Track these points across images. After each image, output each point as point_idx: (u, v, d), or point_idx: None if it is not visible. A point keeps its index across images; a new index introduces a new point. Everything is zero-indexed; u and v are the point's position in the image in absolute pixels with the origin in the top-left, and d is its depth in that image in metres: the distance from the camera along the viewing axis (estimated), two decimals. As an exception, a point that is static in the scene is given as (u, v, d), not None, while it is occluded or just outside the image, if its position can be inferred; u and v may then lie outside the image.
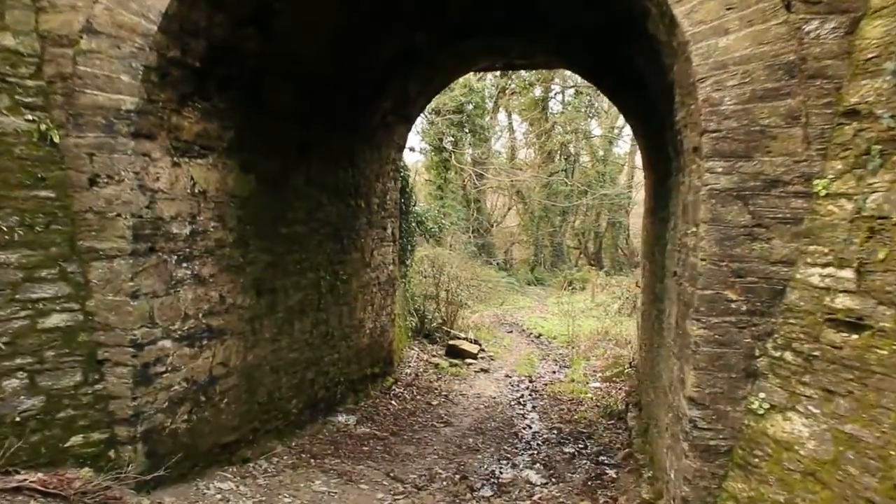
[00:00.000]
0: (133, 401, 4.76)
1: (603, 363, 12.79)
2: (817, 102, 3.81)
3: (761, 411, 3.81)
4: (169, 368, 5.14)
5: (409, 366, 11.20)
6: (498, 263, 29.99)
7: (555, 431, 8.40)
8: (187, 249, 5.31)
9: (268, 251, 6.57)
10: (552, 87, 35.79)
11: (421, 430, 8.14)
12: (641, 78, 6.62)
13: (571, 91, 36.33)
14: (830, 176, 3.71)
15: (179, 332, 5.25)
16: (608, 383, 11.13)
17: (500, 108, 33.03)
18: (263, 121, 6.39)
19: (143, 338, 4.82)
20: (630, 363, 10.77)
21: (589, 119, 37.03)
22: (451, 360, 11.96)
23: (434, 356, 12.13)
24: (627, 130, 38.48)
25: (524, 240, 35.62)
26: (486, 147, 30.36)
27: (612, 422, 8.65)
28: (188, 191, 5.31)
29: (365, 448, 7.24)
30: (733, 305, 3.94)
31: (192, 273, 5.37)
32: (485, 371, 11.71)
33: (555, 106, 36.61)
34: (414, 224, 13.35)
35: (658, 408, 5.95)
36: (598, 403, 9.57)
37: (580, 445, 7.82)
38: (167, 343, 5.11)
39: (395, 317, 10.51)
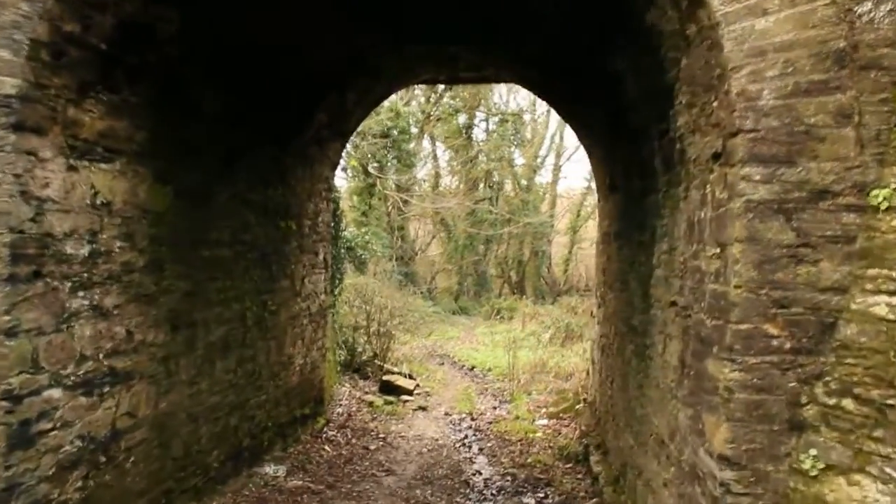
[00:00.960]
0: (6, 470, 3.67)
1: (546, 398, 12.09)
2: (872, 98, 3.18)
3: (814, 472, 3.09)
4: (58, 425, 4.06)
5: (341, 404, 10.18)
6: (423, 293, 29.14)
7: (508, 478, 7.57)
8: (85, 274, 4.27)
9: (186, 278, 5.55)
10: (477, 113, 35.63)
11: (361, 481, 7.16)
12: (613, 85, 5.99)
13: (496, 119, 36.34)
14: (893, 185, 3.08)
15: (73, 378, 4.19)
16: (556, 420, 10.40)
17: (425, 135, 32.41)
18: (184, 123, 5.42)
19: (21, 387, 3.75)
20: (583, 399, 10.08)
21: (513, 147, 37.03)
22: (386, 396, 11.00)
23: (367, 393, 11.15)
24: (550, 160, 38.84)
25: (448, 268, 34.97)
26: (411, 174, 29.63)
27: (571, 466, 7.89)
28: (88, 202, 4.29)
29: (298, 506, 6.25)
30: (775, 342, 3.23)
31: (90, 304, 4.32)
32: (423, 409, 10.79)
33: (479, 134, 36.44)
34: (343, 250, 12.41)
35: (644, 458, 5.21)
36: (551, 444, 8.81)
37: (540, 495, 7.01)
38: (56, 392, 4.04)
39: (326, 351, 9.52)
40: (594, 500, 6.61)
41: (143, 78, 4.72)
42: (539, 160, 38.19)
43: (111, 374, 4.54)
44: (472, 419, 10.48)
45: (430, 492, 6.98)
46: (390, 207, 29.23)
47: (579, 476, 7.55)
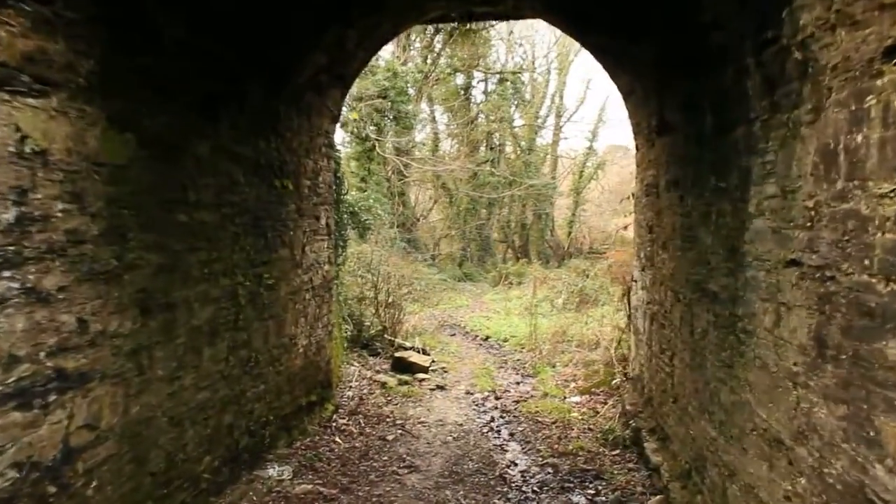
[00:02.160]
0: None
1: (573, 371, 11.08)
2: None
3: None
4: (-18, 451, 3.01)
5: (351, 387, 9.15)
6: (426, 260, 28.05)
7: (549, 470, 6.56)
8: (11, 247, 3.17)
9: (159, 249, 4.45)
10: (475, 74, 34.29)
11: (380, 482, 6.14)
12: (676, 5, 4.87)
13: (495, 79, 34.98)
14: None
15: (1, 388, 3.12)
16: (589, 396, 9.40)
17: (423, 97, 31.07)
18: (144, 54, 4.27)
19: (-84, 409, 2.68)
20: (621, 373, 9.04)
21: (514, 107, 35.78)
22: (400, 375, 9.97)
23: (379, 372, 10.13)
24: (550, 121, 37.48)
25: (451, 234, 33.88)
26: (410, 136, 28.37)
27: (619, 453, 6.88)
28: (11, 149, 3.17)
29: (309, 519, 5.23)
30: None
31: (22, 286, 3.23)
32: (441, 388, 9.76)
33: (478, 96, 35.19)
34: (346, 216, 11.29)
35: (739, 456, 4.16)
36: (590, 426, 7.80)
37: (590, 491, 6.01)
38: (-25, 409, 2.97)
39: (332, 327, 8.45)
40: (658, 497, 5.59)
41: (84, -14, 3.57)
42: (540, 120, 36.97)
43: (58, 378, 3.46)
44: (496, 398, 9.45)
45: (461, 492, 5.96)
46: (390, 172, 28.02)
47: (631, 466, 6.54)
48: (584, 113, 72.86)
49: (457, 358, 12.36)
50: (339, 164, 10.14)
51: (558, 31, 37.81)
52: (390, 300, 12.78)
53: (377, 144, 25.47)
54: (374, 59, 25.85)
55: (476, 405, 9.03)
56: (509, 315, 18.14)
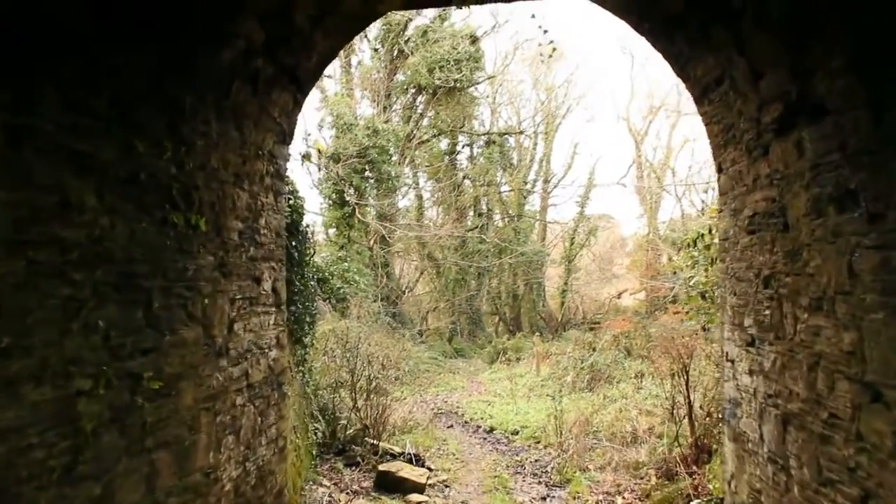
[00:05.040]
0: None
1: (615, 478, 8.39)
2: None
3: None
4: None
5: (317, 522, 6.42)
6: (413, 336, 25.30)
7: None
8: None
9: None
10: (459, 138, 32.50)
11: None
12: None
13: (481, 142, 33.19)
14: None
15: None
16: (650, 522, 6.74)
17: (406, 160, 28.94)
18: None
19: None
20: (697, 491, 6.39)
21: (501, 171, 33.93)
22: (386, 498, 7.23)
23: (358, 494, 7.37)
24: (538, 187, 35.39)
25: (440, 307, 31.26)
26: (393, 199, 26.08)
27: None
28: None
29: None
30: None
31: None
32: (444, 516, 7.04)
33: (463, 161, 33.36)
34: (314, 283, 8.74)
35: None
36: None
37: None
38: None
39: (286, 441, 5.77)
40: None
41: None
42: (528, 186, 35.05)
43: None
44: (522, 529, 6.75)
45: None
46: (372, 241, 25.54)
47: None
48: (573, 177, 71.46)
49: (459, 463, 9.61)
50: (300, 211, 7.64)
51: (543, 94, 36.36)
52: (373, 386, 10.08)
53: (357, 209, 23.10)
54: (351, 116, 23.84)
55: (497, 546, 6.31)
56: (514, 399, 15.42)
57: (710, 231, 7.75)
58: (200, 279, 4.14)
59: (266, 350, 5.21)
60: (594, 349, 19.24)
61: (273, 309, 5.39)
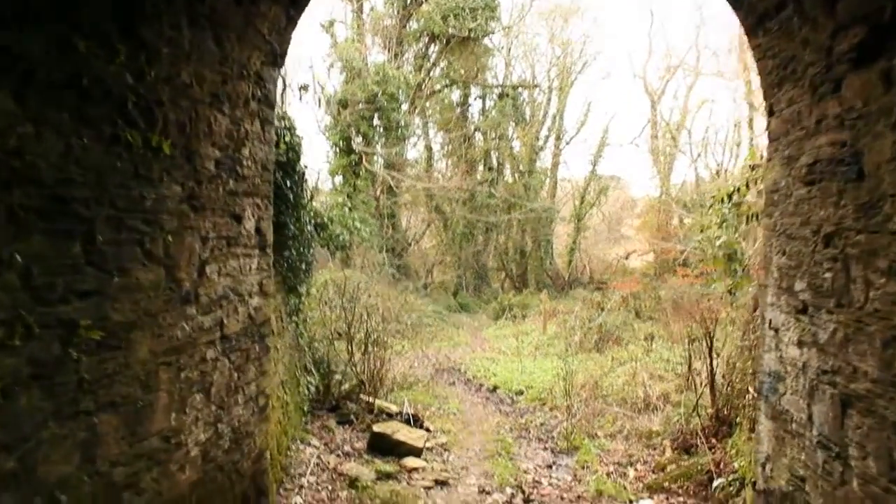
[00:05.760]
0: None
1: (625, 447, 7.84)
2: None
3: None
4: None
5: (302, 486, 5.86)
6: (417, 288, 24.73)
7: None
8: None
9: None
10: (472, 90, 31.52)
11: None
12: None
13: (494, 94, 32.17)
14: None
15: None
16: (666, 497, 6.19)
17: (416, 111, 28.01)
18: None
19: None
20: (728, 473, 5.79)
21: (513, 126, 32.91)
22: (381, 462, 6.68)
23: (349, 456, 6.82)
24: (550, 143, 34.34)
25: (445, 261, 30.66)
26: (401, 148, 25.25)
27: None
28: None
29: None
30: None
31: None
32: (442, 484, 6.46)
33: (475, 113, 32.41)
34: (311, 228, 8.08)
35: None
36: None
37: None
38: None
39: (267, 400, 5.16)
40: None
41: None
42: (540, 141, 34.02)
43: None
44: (526, 501, 6.20)
45: None
46: (379, 191, 24.82)
47: None
48: (585, 135, 70.13)
49: (460, 424, 9.08)
50: (297, 150, 6.95)
51: (559, 49, 35.11)
52: (374, 338, 9.49)
53: (364, 157, 22.35)
54: (361, 62, 22.87)
55: (499, 518, 5.77)
56: (519, 357, 14.89)
57: (746, 185, 7.05)
58: (163, 212, 3.49)
59: (246, 298, 4.59)
60: (603, 309, 18.69)
61: (256, 251, 4.75)
